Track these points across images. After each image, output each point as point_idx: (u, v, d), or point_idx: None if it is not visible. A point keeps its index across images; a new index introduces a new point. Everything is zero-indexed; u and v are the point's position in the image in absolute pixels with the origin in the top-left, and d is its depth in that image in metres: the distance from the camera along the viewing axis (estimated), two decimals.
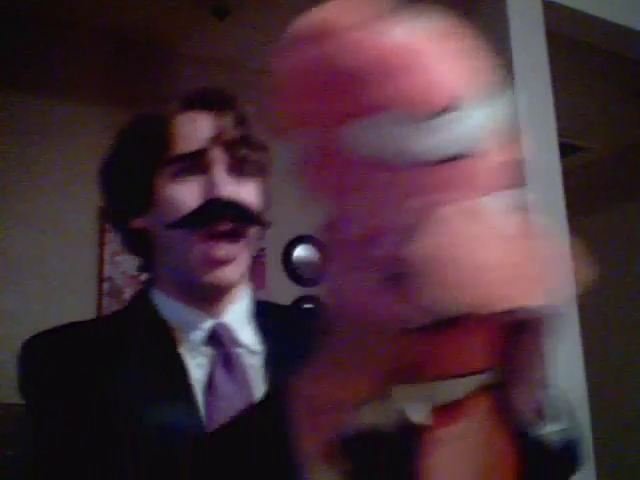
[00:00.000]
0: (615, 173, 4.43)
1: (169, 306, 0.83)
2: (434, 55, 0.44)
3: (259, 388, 0.77)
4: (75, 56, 2.95)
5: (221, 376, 0.78)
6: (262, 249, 3.21)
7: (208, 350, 0.80)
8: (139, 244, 0.87)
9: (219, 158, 0.81)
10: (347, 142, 0.43)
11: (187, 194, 0.80)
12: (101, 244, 2.89)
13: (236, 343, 0.82)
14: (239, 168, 0.82)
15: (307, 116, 0.45)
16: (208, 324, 0.82)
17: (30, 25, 2.87)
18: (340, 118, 0.43)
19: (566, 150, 3.21)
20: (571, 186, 2.54)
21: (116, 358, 0.75)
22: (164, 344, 0.79)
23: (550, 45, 2.49)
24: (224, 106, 0.84)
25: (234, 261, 0.80)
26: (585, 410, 2.21)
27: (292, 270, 3.22)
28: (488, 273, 0.41)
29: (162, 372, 0.76)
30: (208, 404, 0.75)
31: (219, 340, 0.81)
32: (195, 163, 0.81)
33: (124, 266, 2.91)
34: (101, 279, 2.86)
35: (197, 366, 0.79)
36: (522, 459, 0.54)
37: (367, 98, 0.42)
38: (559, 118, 2.44)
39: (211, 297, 0.83)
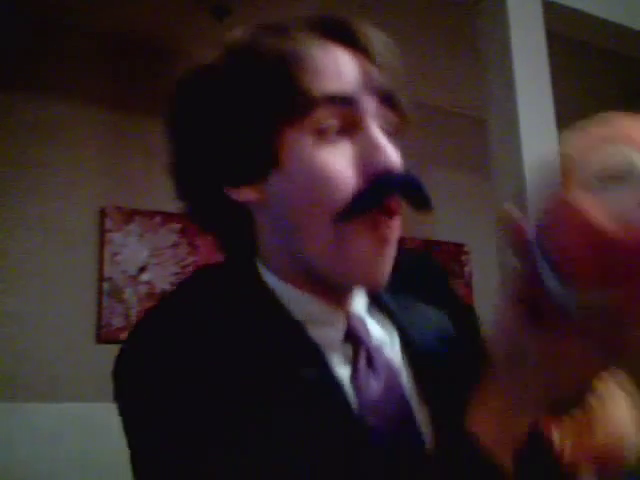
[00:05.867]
0: None
1: (290, 295, 0.62)
2: None
3: (406, 386, 0.63)
4: (75, 57, 2.96)
5: (366, 377, 0.61)
6: None
7: (345, 347, 0.62)
8: (237, 221, 0.64)
9: (373, 111, 0.59)
10: None
11: (341, 161, 0.57)
12: (101, 244, 2.89)
13: (372, 336, 0.64)
14: (390, 126, 0.62)
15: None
16: (342, 318, 0.63)
17: (31, 26, 2.87)
18: None
19: None
20: None
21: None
22: (302, 342, 0.60)
23: (550, 45, 2.49)
24: (371, 47, 0.61)
25: (394, 242, 0.61)
26: None
27: None
28: None
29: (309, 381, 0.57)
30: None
31: (356, 335, 0.63)
32: (343, 113, 0.58)
33: (124, 266, 2.92)
34: (101, 279, 2.86)
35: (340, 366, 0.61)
36: None
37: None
38: (559, 118, 2.44)
39: (344, 287, 0.64)
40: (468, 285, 3.94)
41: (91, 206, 2.90)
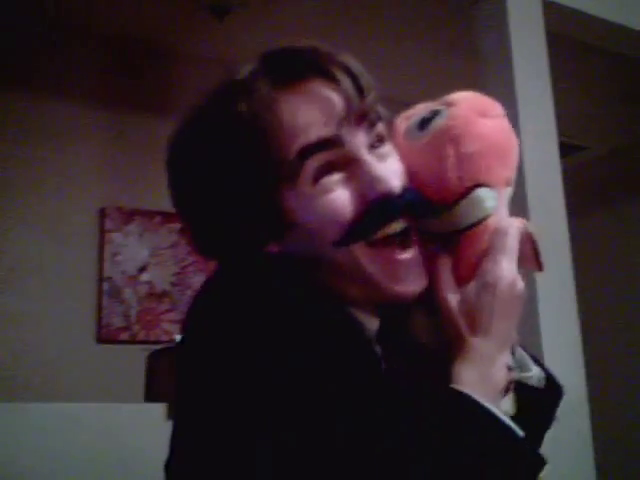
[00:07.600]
0: (615, 173, 4.43)
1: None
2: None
3: None
4: (75, 57, 2.95)
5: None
6: None
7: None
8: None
9: (360, 139, 0.61)
10: None
11: (341, 197, 0.59)
12: (101, 244, 2.89)
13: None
14: (379, 145, 0.63)
15: None
16: (375, 325, 0.67)
17: (31, 26, 2.87)
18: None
19: (566, 150, 3.21)
20: (571, 186, 2.54)
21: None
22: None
23: (550, 45, 2.49)
24: (339, 71, 0.61)
25: (418, 264, 0.63)
26: (585, 410, 2.21)
27: None
28: None
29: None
30: None
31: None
32: (331, 154, 0.59)
33: (124, 266, 2.92)
34: (101, 279, 2.86)
35: None
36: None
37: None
38: (559, 118, 2.44)
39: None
40: None
41: (91, 206, 2.90)
